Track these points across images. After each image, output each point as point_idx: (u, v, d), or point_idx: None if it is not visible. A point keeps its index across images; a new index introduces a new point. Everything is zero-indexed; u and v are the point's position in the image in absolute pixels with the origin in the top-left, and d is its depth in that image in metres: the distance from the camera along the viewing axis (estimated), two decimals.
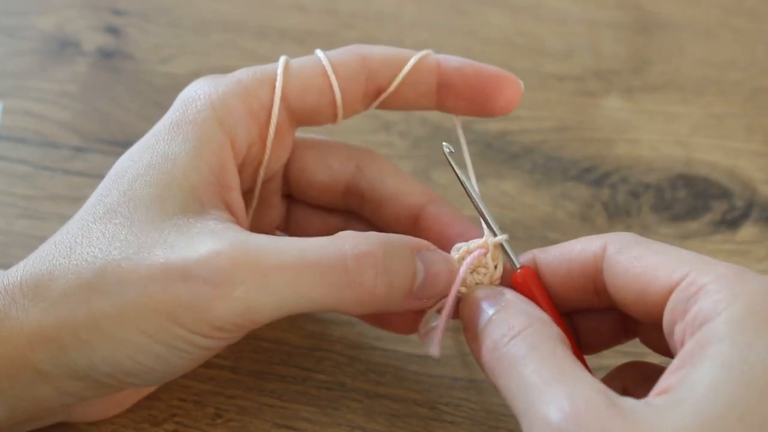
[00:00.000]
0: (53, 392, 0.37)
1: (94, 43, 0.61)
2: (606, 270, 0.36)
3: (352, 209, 0.45)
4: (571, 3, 0.64)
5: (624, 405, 0.31)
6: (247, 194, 0.42)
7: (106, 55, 0.60)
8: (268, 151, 0.41)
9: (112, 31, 0.62)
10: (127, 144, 0.55)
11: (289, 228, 0.46)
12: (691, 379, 0.31)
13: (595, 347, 0.41)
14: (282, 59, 0.41)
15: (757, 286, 0.32)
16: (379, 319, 0.44)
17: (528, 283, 0.38)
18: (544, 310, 0.37)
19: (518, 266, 0.39)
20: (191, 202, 0.38)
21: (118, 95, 0.58)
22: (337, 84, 0.41)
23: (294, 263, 0.35)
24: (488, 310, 0.36)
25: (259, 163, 0.41)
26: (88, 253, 0.36)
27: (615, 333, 0.40)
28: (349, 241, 0.36)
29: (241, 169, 0.40)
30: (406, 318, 0.43)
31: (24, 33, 0.61)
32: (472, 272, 0.39)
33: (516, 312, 0.36)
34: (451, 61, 0.42)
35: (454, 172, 0.40)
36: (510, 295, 0.37)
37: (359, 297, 0.36)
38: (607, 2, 0.64)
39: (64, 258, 0.37)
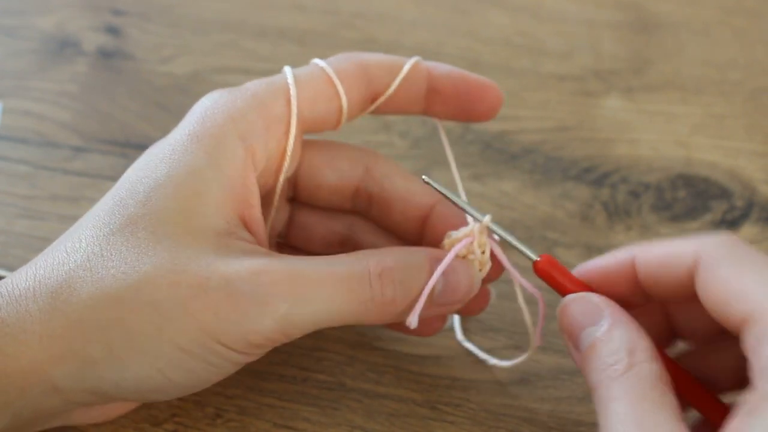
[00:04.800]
0: (61, 403, 0.37)
1: (94, 43, 0.61)
2: (696, 284, 0.37)
3: (359, 211, 0.45)
4: (570, 3, 0.64)
5: None
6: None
7: (106, 55, 0.60)
8: (287, 163, 0.41)
9: (112, 31, 0.62)
10: (126, 144, 0.56)
11: (290, 233, 0.46)
12: None
13: (692, 336, 0.41)
14: (288, 71, 0.41)
15: None
16: (400, 323, 0.45)
17: (549, 271, 0.40)
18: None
19: (535, 257, 0.40)
20: (217, 220, 0.38)
21: (118, 95, 0.58)
22: (343, 92, 0.42)
23: (327, 279, 0.38)
24: (591, 331, 0.38)
25: (272, 172, 0.41)
26: (111, 266, 0.36)
27: (711, 325, 0.39)
28: (372, 258, 0.39)
29: (257, 182, 0.40)
30: (427, 321, 0.44)
31: (24, 33, 0.61)
32: (464, 257, 0.41)
33: (621, 343, 0.36)
34: (440, 67, 0.43)
35: (436, 188, 0.41)
36: (609, 311, 0.38)
37: (380, 309, 0.39)
38: (607, 2, 0.64)
39: (83, 270, 0.36)
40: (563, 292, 0.40)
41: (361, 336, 0.47)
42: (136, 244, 0.36)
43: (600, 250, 0.51)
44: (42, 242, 0.51)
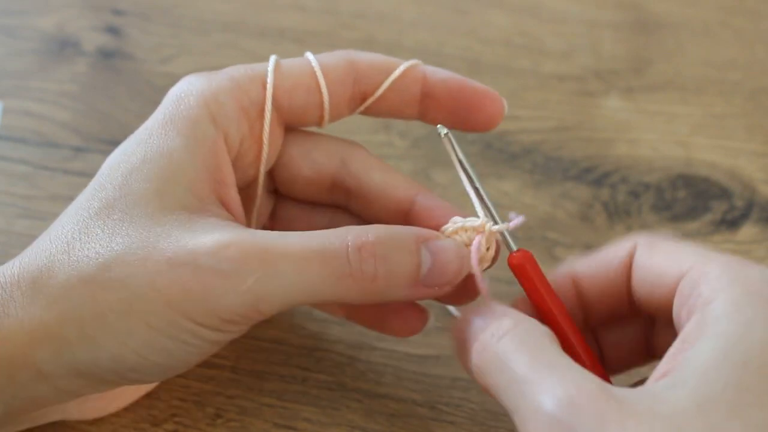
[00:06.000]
0: (51, 391, 0.37)
1: (94, 43, 0.61)
2: (633, 271, 0.37)
3: (339, 204, 0.44)
4: (571, 3, 0.64)
5: (618, 392, 0.31)
6: (240, 192, 0.42)
7: (106, 55, 0.60)
8: (265, 149, 0.41)
9: (112, 31, 0.62)
10: None
11: (274, 225, 0.46)
12: (689, 360, 0.31)
13: (618, 366, 0.41)
14: (272, 58, 0.41)
15: (757, 273, 0.33)
16: (379, 322, 0.44)
17: (524, 265, 0.38)
18: (541, 293, 0.37)
19: (514, 248, 0.39)
20: (190, 198, 0.38)
21: (118, 95, 0.58)
22: (325, 85, 0.41)
23: (299, 252, 0.36)
24: (476, 321, 0.37)
25: (251, 160, 0.41)
26: (88, 248, 0.36)
27: (637, 352, 0.40)
28: (351, 232, 0.37)
29: (234, 167, 0.40)
30: (406, 319, 0.43)
31: (24, 33, 0.61)
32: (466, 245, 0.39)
33: (501, 313, 0.36)
34: (438, 72, 0.42)
35: (456, 156, 0.40)
36: (498, 305, 0.37)
37: (360, 286, 0.37)
38: (607, 2, 0.64)
39: (63, 254, 0.37)
40: (531, 291, 0.39)
41: (361, 336, 0.47)
42: (111, 226, 0.37)
43: None
44: None
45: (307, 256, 0.36)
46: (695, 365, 0.31)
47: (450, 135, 0.40)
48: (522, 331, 0.35)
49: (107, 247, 0.36)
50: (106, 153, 0.55)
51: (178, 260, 0.36)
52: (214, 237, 0.36)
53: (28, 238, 0.51)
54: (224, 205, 0.39)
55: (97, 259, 0.36)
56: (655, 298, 0.36)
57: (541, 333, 0.35)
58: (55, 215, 0.52)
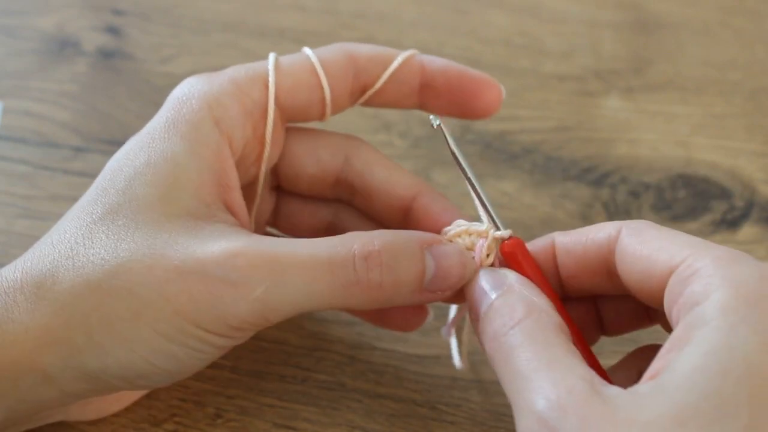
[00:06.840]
0: (56, 394, 0.37)
1: (94, 43, 0.61)
2: (617, 253, 0.37)
3: (343, 199, 0.45)
4: (571, 3, 0.64)
5: (607, 394, 0.31)
6: (242, 190, 0.42)
7: (106, 55, 0.60)
8: (267, 149, 0.41)
9: (112, 31, 0.62)
10: None
11: (277, 221, 0.46)
12: (674, 365, 0.31)
13: (617, 330, 0.41)
14: (272, 57, 0.41)
15: (750, 271, 0.32)
16: (380, 317, 0.44)
17: (515, 253, 0.38)
18: (532, 280, 0.37)
19: (507, 237, 0.39)
20: (196, 203, 0.38)
21: (118, 95, 0.58)
22: (326, 82, 0.41)
23: (307, 261, 0.36)
24: (490, 294, 0.37)
25: (253, 160, 0.41)
26: (92, 254, 0.36)
27: (637, 317, 0.40)
28: (357, 240, 0.37)
29: (237, 168, 0.40)
30: (407, 315, 0.44)
31: (24, 33, 0.61)
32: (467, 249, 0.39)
33: (517, 299, 0.36)
34: (435, 62, 0.42)
35: (450, 148, 0.40)
36: (512, 277, 0.37)
37: (366, 293, 0.37)
38: (607, 2, 0.64)
39: (66, 259, 0.36)
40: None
41: (361, 336, 0.47)
42: (115, 232, 0.37)
43: None
44: None
45: (315, 265, 0.36)
46: (677, 374, 0.31)
47: (442, 126, 0.40)
48: (531, 323, 0.35)
49: (113, 253, 0.36)
50: (106, 153, 0.55)
51: (186, 268, 0.36)
52: (222, 245, 0.36)
53: (28, 238, 0.51)
54: (229, 209, 0.39)
55: (102, 265, 0.36)
56: (646, 288, 0.35)
57: (551, 324, 0.35)
58: (55, 215, 0.52)
